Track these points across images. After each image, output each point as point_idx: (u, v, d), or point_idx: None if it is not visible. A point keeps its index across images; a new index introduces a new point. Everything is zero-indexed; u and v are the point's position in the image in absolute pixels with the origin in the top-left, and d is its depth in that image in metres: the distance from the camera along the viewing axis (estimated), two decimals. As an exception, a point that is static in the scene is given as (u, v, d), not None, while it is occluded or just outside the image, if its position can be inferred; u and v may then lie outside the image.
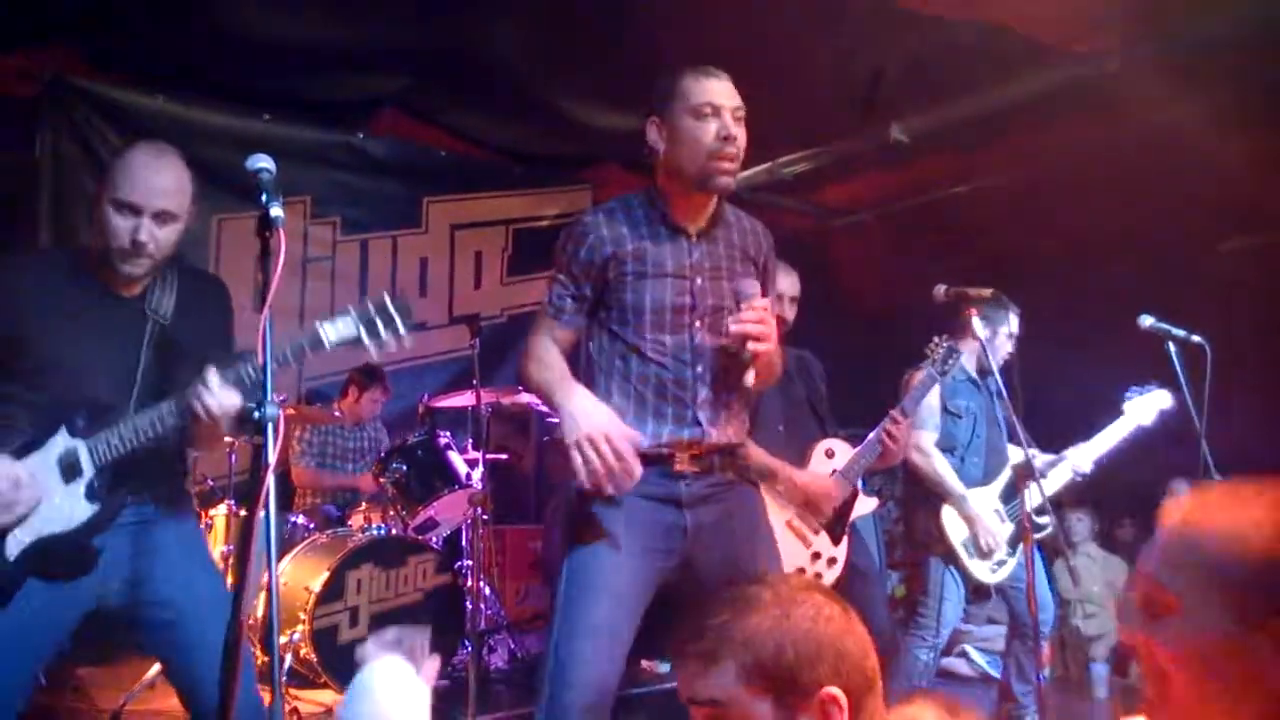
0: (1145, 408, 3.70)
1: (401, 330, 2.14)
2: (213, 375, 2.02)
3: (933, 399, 3.55)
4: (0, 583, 2.02)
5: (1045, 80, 4.55)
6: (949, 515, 3.60)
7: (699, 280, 2.21)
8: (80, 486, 2.10)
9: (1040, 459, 3.68)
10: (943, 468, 3.62)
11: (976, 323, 3.48)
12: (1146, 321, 3.37)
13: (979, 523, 3.58)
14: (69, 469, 2.09)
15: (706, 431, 2.18)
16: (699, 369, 2.20)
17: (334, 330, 2.12)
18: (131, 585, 2.19)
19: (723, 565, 2.13)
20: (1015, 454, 3.72)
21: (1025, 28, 4.24)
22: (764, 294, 2.28)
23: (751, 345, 2.12)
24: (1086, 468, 3.69)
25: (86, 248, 2.23)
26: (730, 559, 2.15)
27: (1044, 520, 3.38)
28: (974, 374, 3.76)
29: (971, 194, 5.90)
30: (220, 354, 2.19)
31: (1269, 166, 4.06)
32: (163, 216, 2.13)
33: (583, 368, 2.26)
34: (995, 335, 3.65)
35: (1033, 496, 3.05)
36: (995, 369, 3.37)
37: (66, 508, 2.09)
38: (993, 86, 4.73)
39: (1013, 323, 3.68)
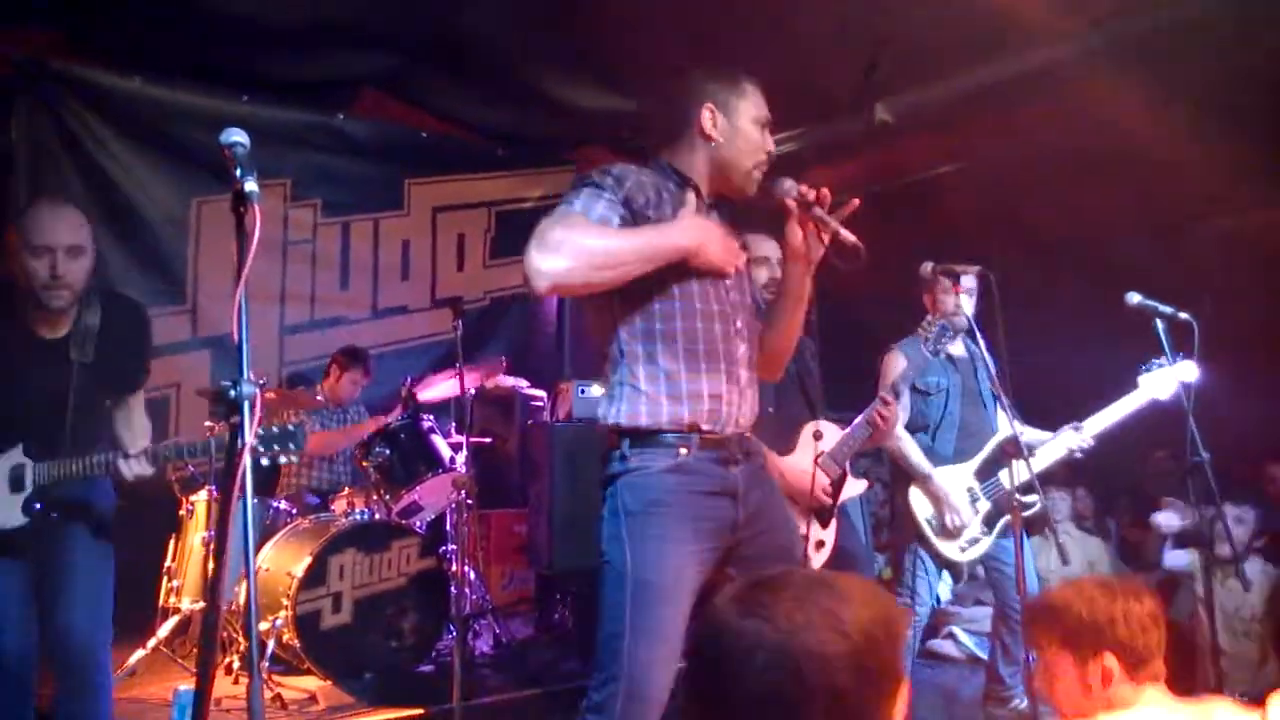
0: (1164, 381, 3.51)
1: (292, 450, 2.43)
2: (137, 448, 2.47)
3: None
4: None
5: (1029, 58, 4.52)
6: (915, 495, 3.59)
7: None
8: (20, 499, 2.45)
9: (1031, 434, 3.64)
10: (909, 447, 3.61)
11: (965, 300, 3.47)
12: (1134, 299, 3.33)
13: (945, 501, 3.55)
14: (16, 482, 2.45)
15: (745, 393, 2.17)
16: (738, 324, 2.19)
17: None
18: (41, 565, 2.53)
19: (763, 553, 2.13)
20: (1006, 430, 3.67)
21: (1008, 5, 4.21)
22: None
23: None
24: (1089, 441, 3.60)
25: (10, 286, 2.52)
26: (773, 550, 2.16)
27: (1030, 499, 3.36)
28: (955, 350, 3.71)
29: (956, 173, 5.88)
30: (134, 379, 2.67)
31: (1252, 143, 4.05)
32: (73, 250, 2.46)
33: (609, 341, 2.13)
34: (957, 309, 3.58)
35: (1018, 473, 3.03)
36: (982, 344, 3.34)
37: (3, 513, 2.44)
38: (977, 65, 4.70)
39: (966, 303, 3.57)
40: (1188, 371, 3.44)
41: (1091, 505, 5.56)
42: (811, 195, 2.14)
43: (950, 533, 3.56)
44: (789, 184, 2.18)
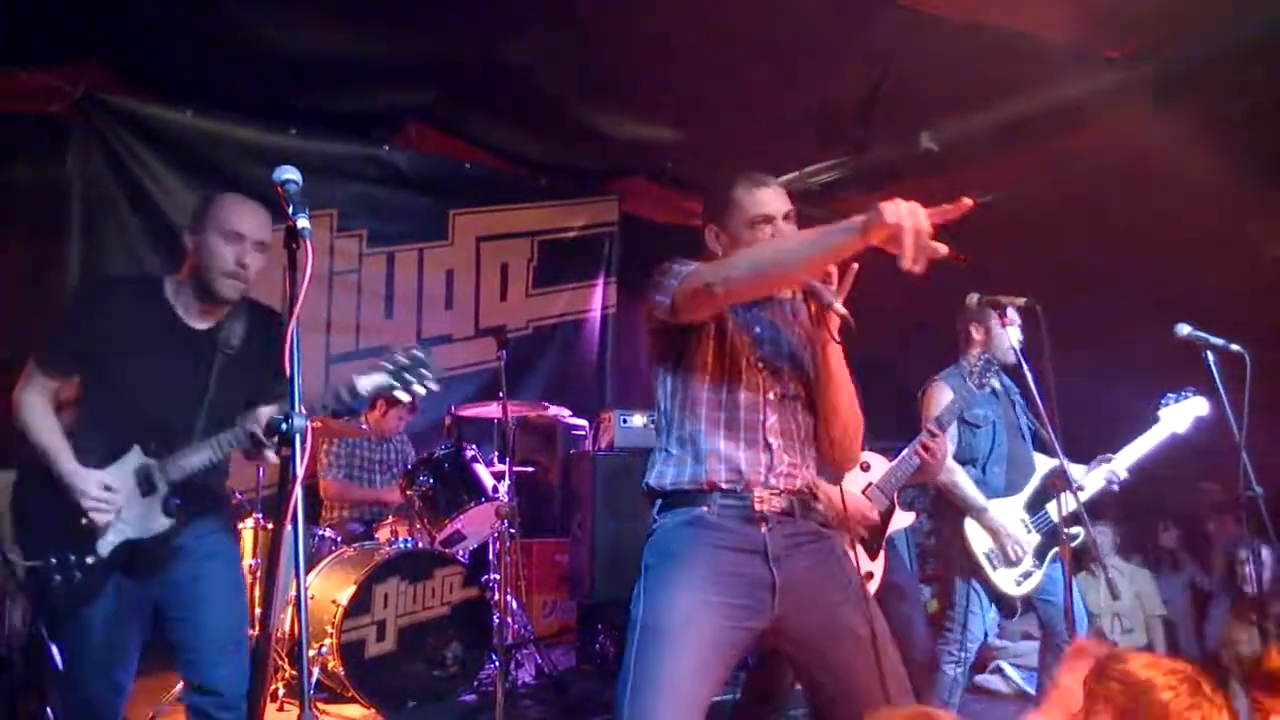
0: (1181, 415, 3.62)
1: (430, 380, 2.35)
2: (271, 429, 2.20)
3: None
4: (96, 575, 2.31)
5: (1077, 86, 4.49)
6: (972, 528, 3.53)
7: (757, 328, 2.27)
8: (157, 501, 2.37)
9: (1072, 468, 3.60)
10: (963, 480, 3.56)
11: (1012, 331, 3.44)
12: (1184, 330, 3.29)
13: (1003, 533, 3.50)
14: (146, 483, 2.36)
15: (779, 458, 2.16)
16: (770, 396, 2.21)
17: (370, 382, 2.34)
18: (182, 601, 2.41)
19: (822, 631, 2.09)
20: (1044, 463, 3.65)
21: (1054, 33, 4.19)
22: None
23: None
24: (1123, 474, 3.61)
25: (156, 279, 2.51)
26: (830, 624, 2.10)
27: (1074, 530, 3.31)
28: (994, 383, 3.68)
29: (1001, 202, 5.83)
30: (275, 382, 2.37)
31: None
32: (260, 246, 2.45)
33: (657, 410, 2.29)
34: (1001, 341, 3.56)
35: (1065, 505, 2.98)
36: (1030, 376, 3.28)
37: (147, 518, 2.37)
38: (1024, 93, 4.67)
39: (1013, 334, 3.56)
40: (1200, 406, 3.57)
41: (1176, 537, 5.45)
42: None
43: (1010, 565, 3.51)
44: None
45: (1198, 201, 4.72)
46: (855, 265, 2.11)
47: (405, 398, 2.34)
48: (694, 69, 4.67)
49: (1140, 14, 3.98)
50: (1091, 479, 3.60)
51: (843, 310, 2.07)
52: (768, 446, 2.16)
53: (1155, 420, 3.65)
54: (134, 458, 2.36)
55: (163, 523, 2.37)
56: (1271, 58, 4.02)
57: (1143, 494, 4.33)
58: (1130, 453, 3.62)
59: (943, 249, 1.84)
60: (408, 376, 2.31)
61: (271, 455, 2.25)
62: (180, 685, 3.88)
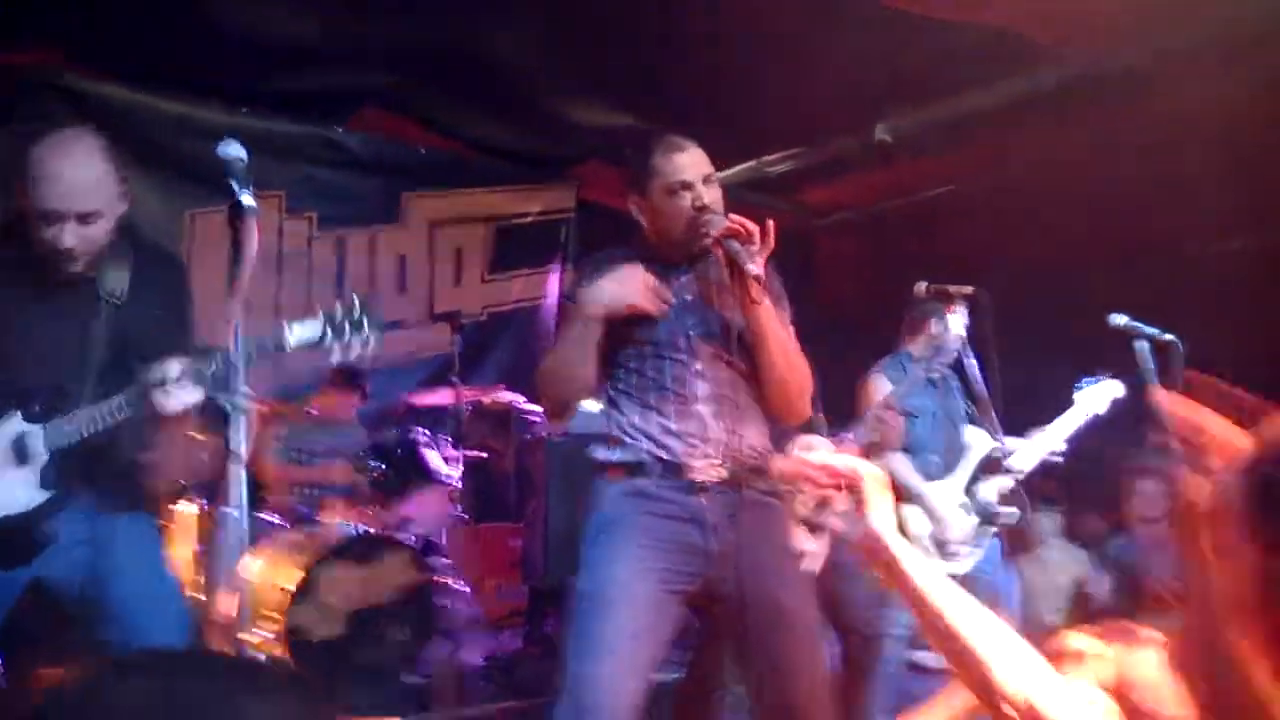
0: (1097, 397, 3.73)
1: (368, 335, 2.14)
2: (172, 369, 2.00)
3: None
4: None
5: (1031, 82, 4.57)
6: (911, 513, 3.59)
7: (688, 296, 2.30)
8: (33, 472, 2.07)
9: (1011, 442, 3.68)
10: (900, 467, 3.61)
11: (954, 320, 3.49)
12: (1119, 320, 3.39)
13: (939, 518, 3.57)
14: (21, 453, 2.06)
15: (711, 427, 2.19)
16: (698, 366, 2.24)
17: (299, 330, 2.13)
18: (84, 584, 2.16)
19: (753, 601, 2.14)
20: (981, 444, 3.71)
21: (1014, 28, 4.25)
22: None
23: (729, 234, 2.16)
24: (1060, 446, 3.67)
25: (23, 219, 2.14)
26: (763, 591, 2.14)
27: (1010, 510, 3.39)
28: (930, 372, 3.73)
29: (955, 195, 5.91)
30: (178, 334, 2.18)
31: (1244, 169, 4.08)
32: (87, 218, 2.07)
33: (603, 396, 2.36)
34: (947, 332, 3.63)
35: (1002, 486, 3.06)
36: (975, 364, 3.35)
37: (17, 493, 2.06)
38: (978, 88, 4.74)
39: (957, 324, 3.62)
40: (1115, 389, 3.70)
41: (1098, 520, 5.55)
42: (719, 230, 2.18)
43: (945, 548, 3.57)
44: (716, 220, 2.23)
45: (1140, 196, 4.82)
46: (772, 221, 2.17)
47: (338, 353, 2.15)
48: (654, 54, 4.67)
49: (1091, 12, 4.05)
50: (1029, 454, 3.66)
51: (755, 270, 2.10)
52: (698, 416, 2.20)
53: (1071, 403, 3.75)
54: (13, 425, 2.07)
55: (36, 496, 2.06)
56: (1218, 58, 4.12)
57: (1082, 480, 4.43)
58: (1052, 433, 3.69)
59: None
60: (345, 328, 2.14)
61: (169, 404, 1.98)
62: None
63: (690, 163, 2.28)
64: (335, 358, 2.19)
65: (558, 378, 2.28)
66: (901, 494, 3.61)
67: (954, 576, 3.53)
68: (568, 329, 2.29)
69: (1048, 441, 3.69)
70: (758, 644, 2.13)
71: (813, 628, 2.23)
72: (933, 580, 1.23)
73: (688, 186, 2.26)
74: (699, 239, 2.24)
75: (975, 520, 3.61)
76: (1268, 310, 4.30)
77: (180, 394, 1.99)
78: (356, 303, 2.17)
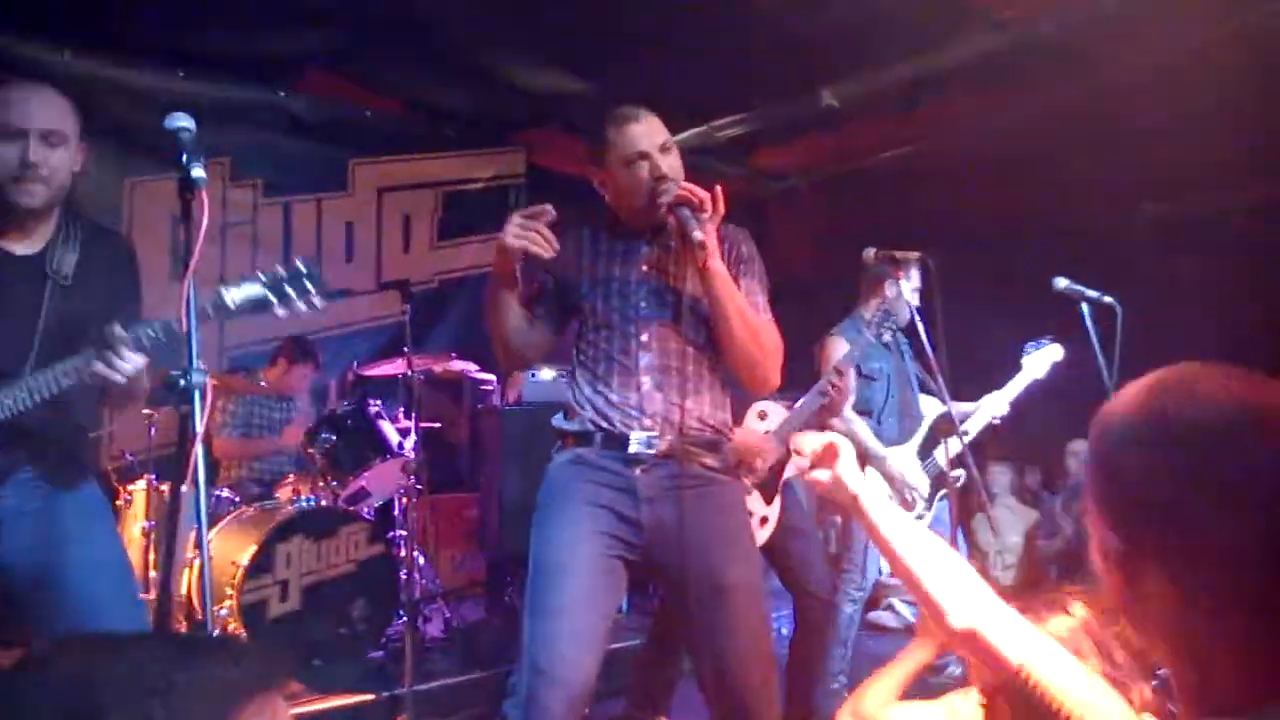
0: (1039, 361, 3.85)
1: (312, 294, 2.11)
2: (114, 333, 1.98)
3: None
4: None
5: (973, 47, 4.60)
6: (871, 475, 3.66)
7: (644, 267, 2.32)
8: None
9: (957, 409, 3.77)
10: (861, 430, 3.68)
11: (904, 285, 3.54)
12: (1061, 283, 3.46)
13: (900, 480, 3.66)
14: None
15: (650, 399, 2.20)
16: (644, 337, 2.24)
17: (238, 292, 2.09)
18: (33, 559, 2.12)
19: (685, 573, 2.14)
20: (931, 409, 3.80)
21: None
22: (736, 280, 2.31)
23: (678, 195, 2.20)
24: (1004, 410, 3.81)
25: None
26: (694, 568, 2.14)
27: (957, 473, 3.48)
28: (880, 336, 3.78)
29: (902, 159, 5.96)
30: (127, 316, 2.12)
31: (1187, 134, 4.17)
32: (50, 137, 2.08)
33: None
34: (899, 295, 3.68)
35: (951, 449, 3.13)
36: (921, 328, 3.40)
37: None
38: (923, 52, 4.76)
39: (906, 288, 3.67)
40: (1056, 353, 3.82)
41: (1039, 479, 5.72)
42: (670, 197, 2.20)
43: (906, 511, 3.65)
44: (669, 188, 2.25)
45: (1084, 160, 4.91)
46: (720, 186, 2.19)
47: (282, 313, 2.10)
48: (601, 19, 4.61)
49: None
50: (974, 420, 3.79)
51: (699, 236, 2.13)
52: (638, 387, 2.22)
53: (1019, 368, 3.87)
54: None
55: None
56: (1152, 27, 4.19)
57: (1022, 438, 4.55)
58: (1002, 396, 3.82)
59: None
60: (287, 289, 2.09)
61: (114, 368, 1.97)
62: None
63: (644, 132, 2.27)
64: (280, 316, 2.12)
65: (492, 335, 2.38)
66: (862, 457, 3.67)
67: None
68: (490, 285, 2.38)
69: (994, 405, 3.80)
70: (701, 618, 2.14)
71: (757, 602, 2.23)
72: (888, 517, 1.35)
73: (644, 156, 2.25)
74: (656, 209, 2.25)
75: (927, 481, 3.71)
76: (1212, 272, 4.42)
77: (125, 358, 1.98)
78: (299, 263, 2.15)
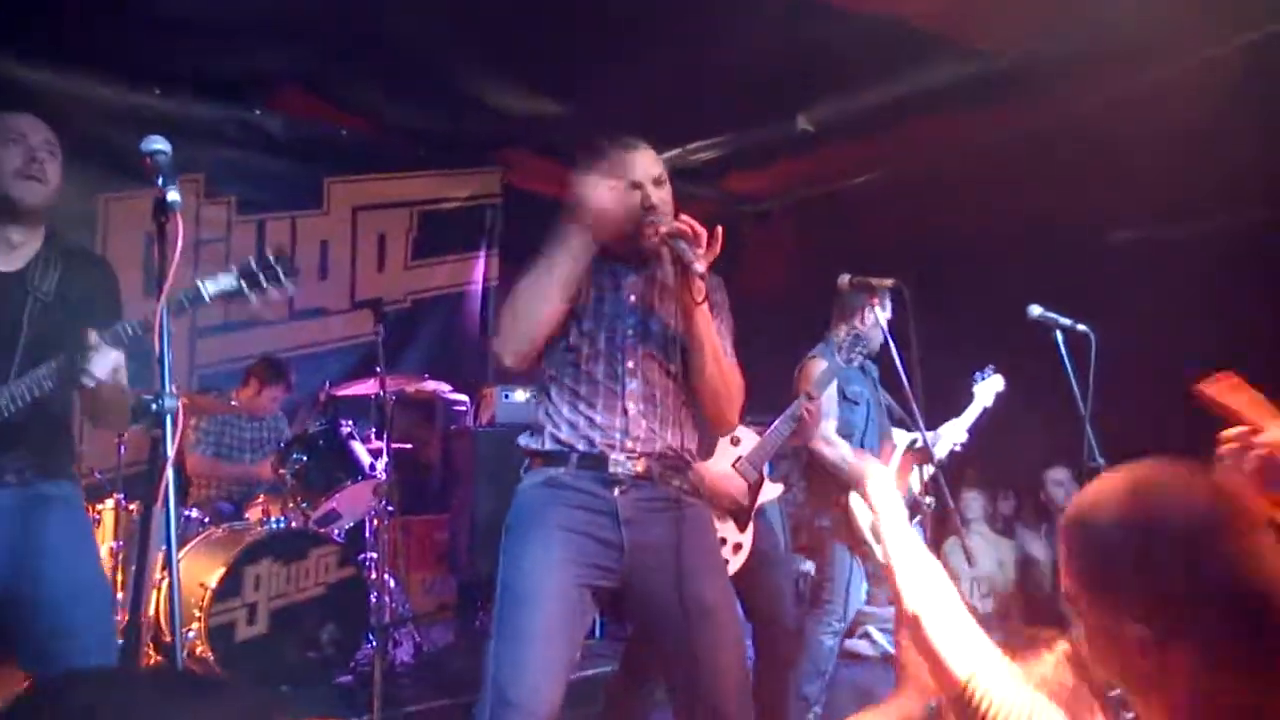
0: (986, 391, 3.95)
1: (283, 281, 2.19)
2: (91, 334, 2.07)
3: (831, 387, 3.62)
4: None
5: (946, 73, 4.68)
6: (856, 502, 3.65)
7: (632, 297, 2.31)
8: None
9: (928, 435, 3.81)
10: (850, 455, 3.65)
11: (878, 313, 3.56)
12: (1035, 311, 3.50)
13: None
14: None
15: (635, 424, 2.21)
16: (630, 364, 2.25)
17: (213, 285, 2.17)
18: (12, 564, 2.17)
19: (666, 596, 2.14)
20: (901, 437, 3.83)
21: (925, 21, 4.34)
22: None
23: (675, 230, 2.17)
24: (962, 438, 3.88)
25: None
26: (676, 590, 2.14)
27: (928, 499, 3.51)
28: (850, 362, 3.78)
29: (875, 183, 6.03)
30: (105, 321, 2.20)
31: (1163, 161, 4.25)
32: (49, 146, 2.28)
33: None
34: (874, 322, 3.70)
35: (923, 476, 3.16)
36: (896, 355, 3.42)
37: None
38: (895, 78, 4.83)
39: (881, 315, 3.70)
40: (998, 383, 3.99)
41: (1013, 505, 5.74)
42: (668, 229, 2.18)
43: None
44: (663, 219, 2.24)
45: (1055, 185, 4.99)
46: (720, 227, 2.18)
47: (255, 301, 2.18)
48: (576, 41, 4.64)
49: (1004, 10, 4.16)
50: (942, 444, 3.85)
51: (700, 269, 2.12)
52: (624, 412, 2.22)
53: (971, 397, 3.98)
54: None
55: None
56: (1125, 58, 4.28)
57: (997, 465, 4.58)
58: (959, 424, 3.90)
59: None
60: (260, 278, 2.16)
61: (93, 366, 2.06)
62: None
63: (642, 162, 2.29)
64: (253, 303, 2.21)
65: (536, 297, 2.18)
66: (846, 483, 3.66)
67: (886, 566, 3.63)
68: (550, 250, 2.19)
69: (953, 433, 3.85)
70: (682, 641, 2.13)
71: (736, 624, 2.26)
72: (905, 551, 1.44)
73: (637, 186, 2.26)
74: (645, 238, 2.25)
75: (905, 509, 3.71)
76: (1179, 298, 4.49)
77: (103, 356, 2.07)
78: (269, 254, 2.21)
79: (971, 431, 3.92)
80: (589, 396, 2.23)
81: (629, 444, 2.20)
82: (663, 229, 2.19)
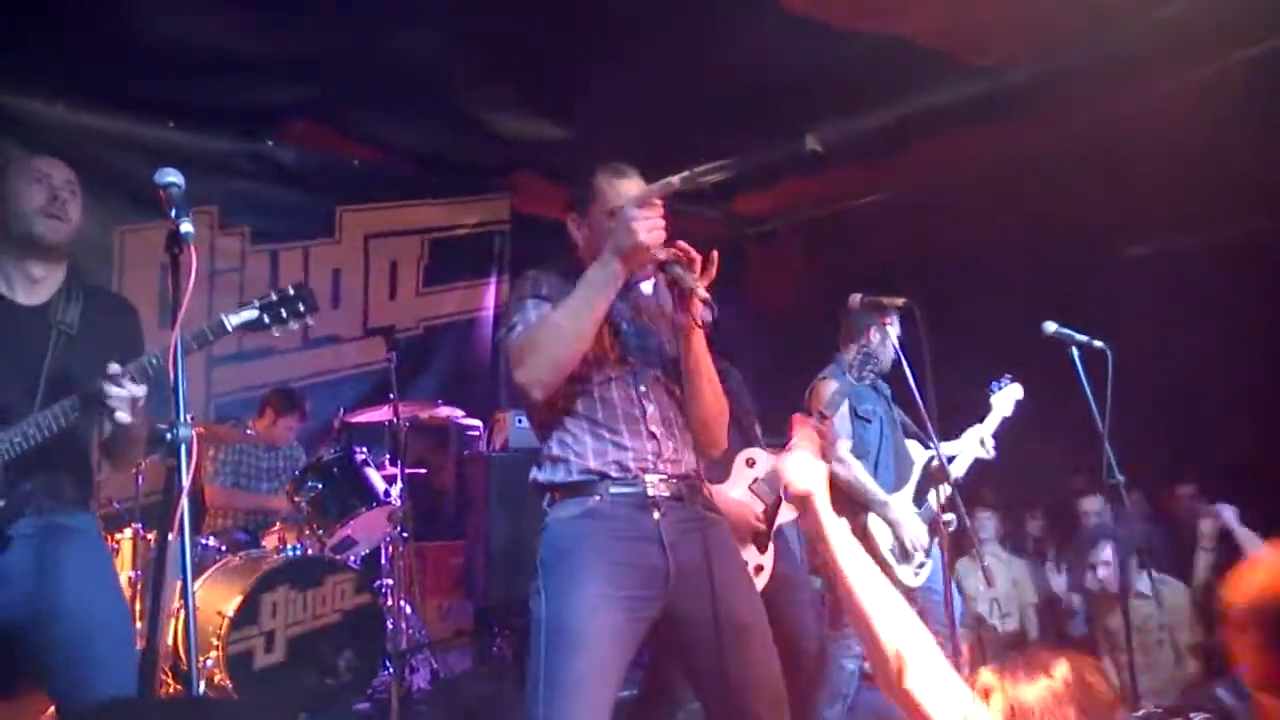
0: (1005, 400, 3.89)
1: (304, 314, 2.26)
2: (114, 365, 2.11)
3: (843, 407, 3.60)
4: None
5: (951, 91, 4.70)
6: (875, 523, 3.62)
7: (624, 325, 2.29)
8: None
9: (945, 448, 3.77)
10: (863, 475, 3.64)
11: (890, 331, 3.56)
12: (1050, 328, 3.49)
13: (902, 526, 3.61)
14: None
15: (664, 446, 2.21)
16: (642, 388, 2.25)
17: (236, 317, 2.23)
18: (32, 595, 2.20)
19: (703, 615, 2.12)
20: (920, 455, 3.80)
21: (928, 40, 4.37)
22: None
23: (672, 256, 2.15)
24: (989, 446, 3.81)
25: None
26: (711, 609, 2.12)
27: (949, 517, 3.48)
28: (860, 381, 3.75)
29: (882, 202, 6.05)
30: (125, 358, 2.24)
31: (1167, 174, 4.26)
32: (70, 185, 2.34)
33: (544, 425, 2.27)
34: (884, 341, 3.69)
35: (942, 494, 3.13)
36: (909, 374, 3.41)
37: None
38: (901, 98, 4.86)
39: (892, 334, 3.64)
40: (1017, 391, 3.89)
41: (1041, 527, 5.67)
42: (663, 255, 2.15)
43: (908, 559, 3.62)
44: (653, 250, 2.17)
45: (1065, 201, 4.99)
46: (716, 251, 2.17)
47: (277, 333, 2.27)
48: (582, 67, 4.69)
49: (1006, 28, 4.19)
50: (963, 456, 3.78)
51: (705, 294, 2.11)
52: (652, 435, 2.21)
53: (989, 409, 3.91)
54: None
55: None
56: (1127, 74, 4.30)
57: (1012, 484, 4.55)
58: (982, 430, 3.84)
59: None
60: (281, 312, 2.24)
61: (118, 395, 2.08)
62: (50, 712, 3.72)
63: (635, 189, 2.26)
64: (274, 334, 2.29)
65: (572, 335, 2.11)
66: (862, 504, 3.64)
67: (908, 588, 3.59)
68: (570, 296, 2.13)
69: (972, 447, 3.80)
70: (717, 660, 2.11)
71: (770, 641, 2.23)
72: (851, 557, 1.43)
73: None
74: (641, 264, 2.20)
75: (925, 528, 3.68)
76: (1190, 309, 4.49)
77: (128, 386, 2.09)
78: (290, 287, 2.29)
79: (1004, 450, 3.85)
80: (609, 422, 2.20)
81: (662, 465, 2.19)
82: (659, 255, 2.16)
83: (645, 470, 2.18)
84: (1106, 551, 4.24)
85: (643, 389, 2.25)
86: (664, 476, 2.19)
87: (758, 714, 2.11)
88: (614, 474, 2.15)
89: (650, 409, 2.24)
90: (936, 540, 3.59)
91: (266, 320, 2.23)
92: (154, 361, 2.14)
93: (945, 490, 3.14)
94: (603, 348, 2.25)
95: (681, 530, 2.17)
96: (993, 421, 3.88)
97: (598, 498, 2.14)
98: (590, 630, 2.02)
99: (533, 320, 2.19)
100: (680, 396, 2.30)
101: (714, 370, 2.30)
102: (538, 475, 2.26)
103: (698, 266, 2.16)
